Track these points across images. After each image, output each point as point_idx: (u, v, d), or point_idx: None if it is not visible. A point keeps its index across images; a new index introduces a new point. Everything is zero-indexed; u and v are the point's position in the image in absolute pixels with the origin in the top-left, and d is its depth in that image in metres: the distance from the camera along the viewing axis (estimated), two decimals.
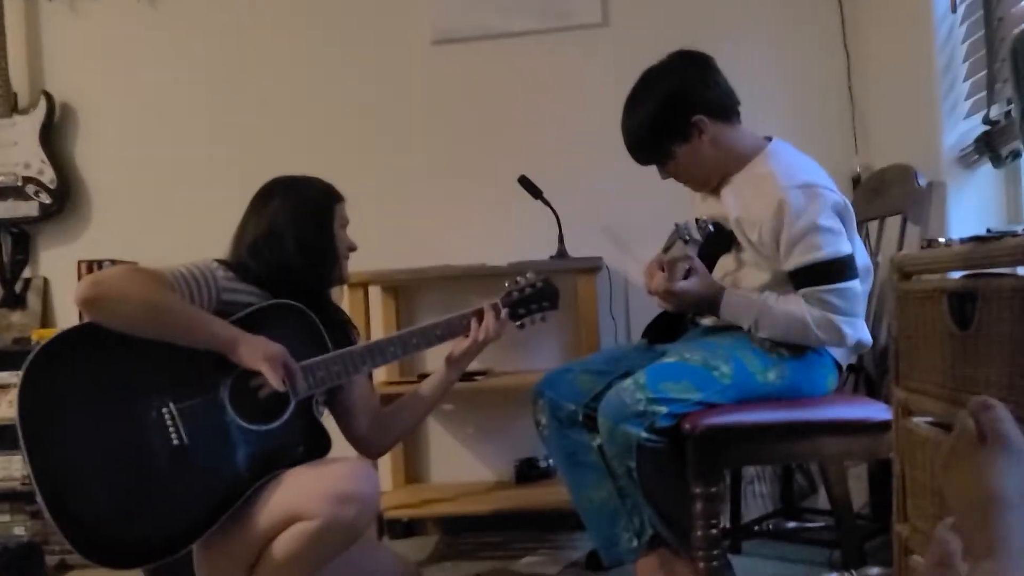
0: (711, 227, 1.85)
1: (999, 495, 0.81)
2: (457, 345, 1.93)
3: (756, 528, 2.42)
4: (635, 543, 1.86)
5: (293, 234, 1.83)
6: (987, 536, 0.79)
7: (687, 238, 1.83)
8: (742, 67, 2.16)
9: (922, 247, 1.52)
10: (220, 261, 1.82)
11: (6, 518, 2.67)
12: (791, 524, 2.41)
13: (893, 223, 2.02)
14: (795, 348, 1.79)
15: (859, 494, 2.42)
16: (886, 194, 2.05)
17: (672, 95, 1.84)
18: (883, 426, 1.66)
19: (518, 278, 1.97)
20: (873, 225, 2.16)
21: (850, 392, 2.06)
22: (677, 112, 1.83)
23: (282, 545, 1.65)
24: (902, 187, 1.97)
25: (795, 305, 1.76)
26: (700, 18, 2.74)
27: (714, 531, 1.68)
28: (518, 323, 1.96)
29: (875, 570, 1.76)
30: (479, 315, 1.91)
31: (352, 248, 1.93)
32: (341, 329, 1.96)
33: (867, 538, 2.15)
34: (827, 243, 1.72)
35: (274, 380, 1.65)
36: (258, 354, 1.66)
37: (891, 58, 2.47)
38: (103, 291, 1.63)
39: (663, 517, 1.78)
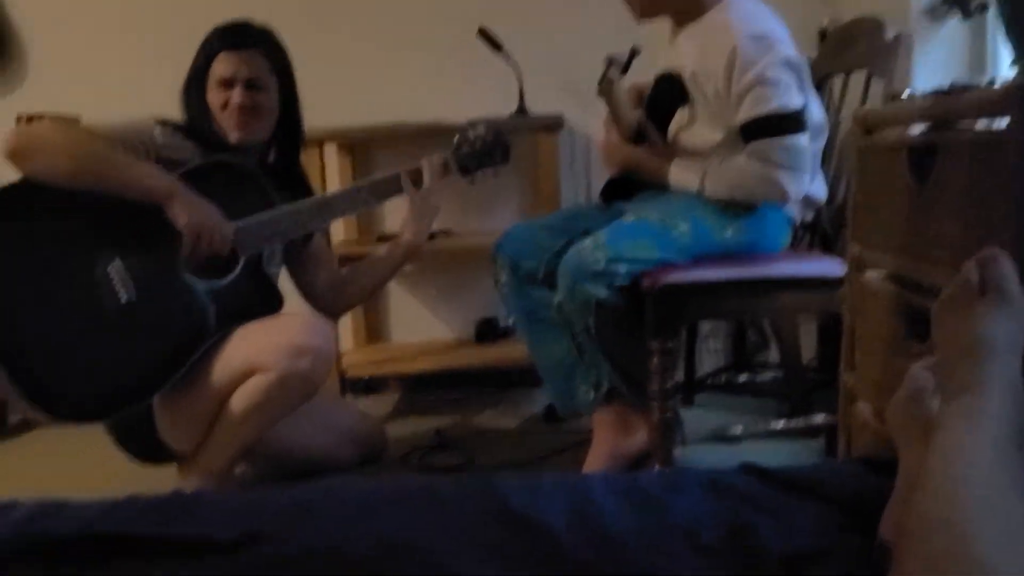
0: (637, 50, 1.87)
1: (987, 342, 0.83)
2: (410, 207, 1.90)
3: (709, 381, 2.50)
4: (591, 396, 1.91)
5: (183, 89, 1.80)
6: (967, 376, 0.81)
7: (611, 62, 1.83)
8: None
9: (885, 101, 1.50)
10: (163, 120, 1.75)
11: None
12: (742, 377, 2.50)
13: (858, 78, 1.99)
14: (750, 205, 1.79)
15: (808, 348, 2.50)
16: (852, 48, 2.00)
17: None
18: (837, 281, 1.69)
19: (468, 132, 1.92)
20: (838, 80, 2.12)
21: (805, 249, 2.08)
22: None
23: (239, 399, 1.67)
24: (869, 40, 1.92)
25: (737, 162, 1.75)
26: None
27: (668, 384, 1.73)
28: (468, 178, 1.93)
29: (820, 417, 1.84)
30: (419, 173, 1.87)
31: (225, 105, 1.77)
32: (300, 188, 1.91)
33: (814, 388, 2.25)
34: (774, 96, 1.69)
35: (187, 246, 1.63)
36: (189, 217, 1.62)
37: None
38: (27, 141, 1.59)
39: (619, 371, 1.83)
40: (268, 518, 0.98)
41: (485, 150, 1.92)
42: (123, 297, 1.63)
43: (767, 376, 2.51)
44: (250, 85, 1.77)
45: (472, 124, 1.93)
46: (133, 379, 1.65)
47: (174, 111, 1.81)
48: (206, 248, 1.64)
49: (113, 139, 1.64)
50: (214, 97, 1.77)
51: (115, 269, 1.63)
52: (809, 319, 2.57)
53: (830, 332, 2.24)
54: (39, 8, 2.73)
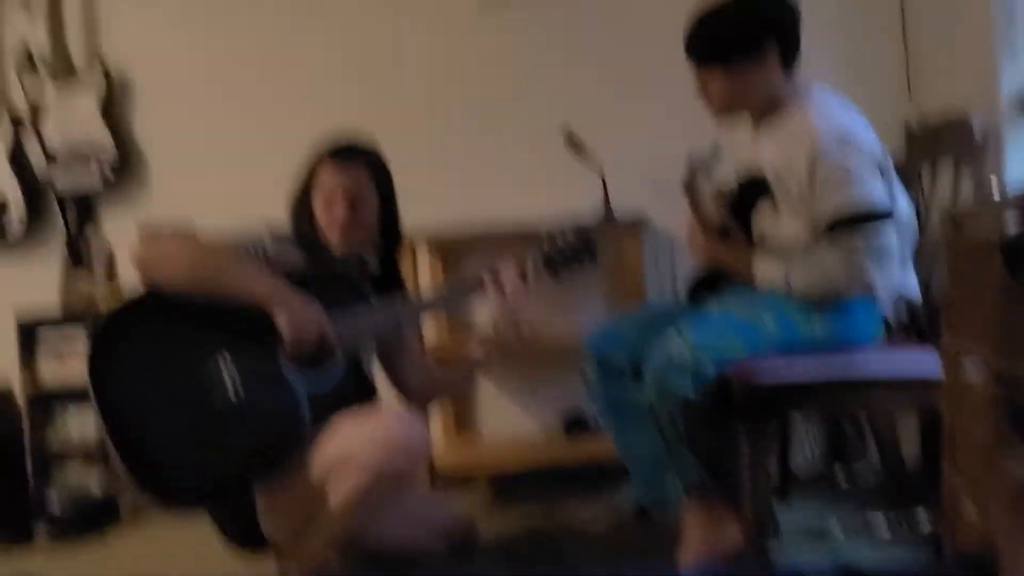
0: (719, 147, 1.94)
1: None
2: (497, 309, 1.96)
3: (804, 477, 2.43)
4: (681, 494, 1.88)
5: (291, 199, 1.94)
6: None
7: (693, 159, 1.88)
8: None
9: (976, 196, 1.49)
10: (272, 229, 1.89)
11: (83, 472, 2.79)
12: (839, 472, 2.42)
13: (947, 172, 1.98)
14: (836, 299, 1.77)
15: (909, 443, 2.41)
16: (940, 142, 2.00)
17: (767, 13, 1.82)
18: (933, 379, 1.65)
19: (555, 233, 1.95)
20: (927, 175, 2.11)
21: (900, 344, 2.04)
22: (760, 28, 1.80)
23: (335, 492, 1.72)
24: (957, 134, 1.92)
25: (822, 256, 1.75)
26: None
27: (760, 481, 1.70)
28: (555, 279, 1.96)
29: (923, 514, 1.76)
30: (500, 277, 1.91)
31: (328, 216, 1.88)
32: (397, 291, 2.01)
33: (916, 486, 2.16)
34: (858, 190, 1.70)
35: (290, 345, 1.72)
36: (292, 318, 1.73)
37: None
38: (150, 258, 1.76)
39: (709, 468, 1.81)
40: None
41: (572, 252, 1.95)
42: (230, 392, 1.73)
43: (866, 471, 2.42)
44: (351, 199, 1.88)
45: (559, 226, 1.97)
46: (236, 471, 1.73)
47: (283, 219, 1.95)
48: (308, 347, 1.74)
49: (227, 248, 1.78)
50: (318, 208, 1.90)
51: (224, 365, 1.74)
52: (909, 412, 2.49)
53: (931, 427, 2.16)
54: (160, 127, 2.98)
